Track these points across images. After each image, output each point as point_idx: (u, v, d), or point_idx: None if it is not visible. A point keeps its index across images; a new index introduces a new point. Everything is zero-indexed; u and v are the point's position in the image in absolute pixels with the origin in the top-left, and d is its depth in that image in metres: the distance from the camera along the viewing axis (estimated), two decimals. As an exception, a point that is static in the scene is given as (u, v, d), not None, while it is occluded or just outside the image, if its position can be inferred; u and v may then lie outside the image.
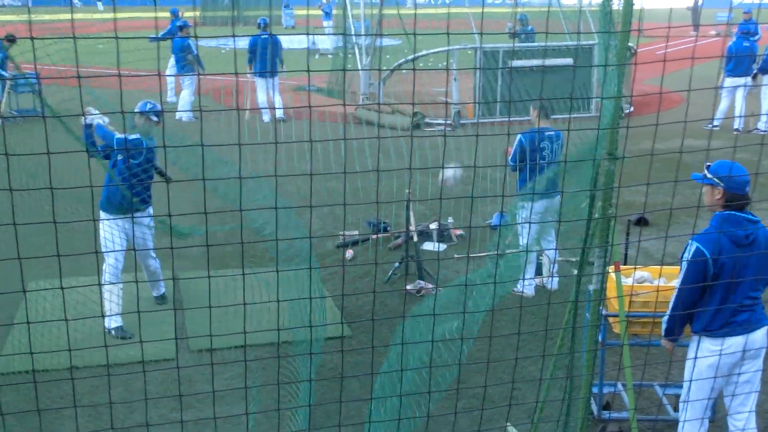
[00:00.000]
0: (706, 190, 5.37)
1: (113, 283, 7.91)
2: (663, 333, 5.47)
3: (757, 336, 5.31)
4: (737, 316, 5.23)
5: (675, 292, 5.32)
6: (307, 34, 4.09)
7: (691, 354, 5.37)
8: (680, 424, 5.56)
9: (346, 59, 21.61)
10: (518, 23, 22.16)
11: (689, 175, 5.50)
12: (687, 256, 5.20)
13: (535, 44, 20.44)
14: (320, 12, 37.30)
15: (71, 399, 6.28)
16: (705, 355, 5.25)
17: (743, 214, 5.23)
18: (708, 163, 5.38)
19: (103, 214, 8.04)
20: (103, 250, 7.93)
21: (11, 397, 6.13)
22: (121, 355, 7.34)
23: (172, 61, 20.31)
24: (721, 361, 5.23)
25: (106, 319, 7.91)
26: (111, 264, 7.98)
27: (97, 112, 7.87)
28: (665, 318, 5.41)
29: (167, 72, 20.54)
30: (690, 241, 5.24)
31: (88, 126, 7.80)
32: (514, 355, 5.39)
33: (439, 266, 9.90)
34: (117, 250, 7.95)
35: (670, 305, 5.35)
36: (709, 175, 5.29)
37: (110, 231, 7.99)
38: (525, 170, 8.87)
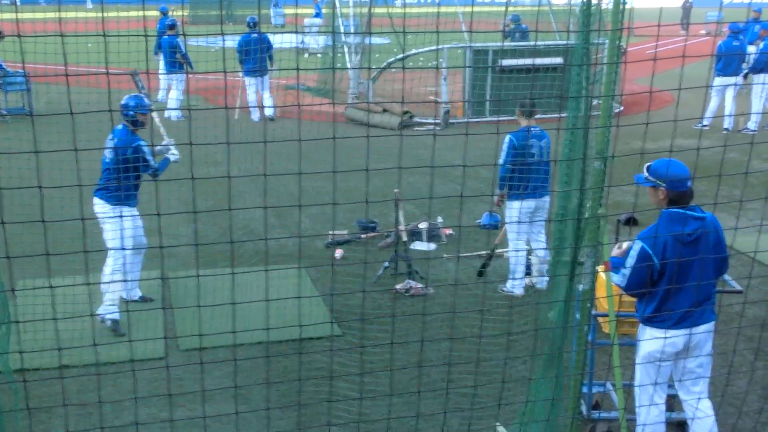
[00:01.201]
0: (649, 191, 5.42)
1: (115, 278, 7.94)
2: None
3: (699, 329, 5.36)
4: (681, 311, 5.29)
5: (622, 283, 5.39)
6: (296, 32, 4.05)
7: (639, 339, 5.48)
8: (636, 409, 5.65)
9: (335, 58, 21.59)
10: (510, 23, 22.15)
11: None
12: (633, 254, 5.26)
13: (523, 44, 20.45)
14: (310, 10, 37.23)
15: (60, 398, 6.27)
16: (649, 341, 5.35)
17: (689, 212, 5.29)
18: (647, 164, 5.41)
19: (128, 209, 8.14)
20: (117, 243, 8.02)
21: (1, 396, 6.11)
22: (110, 354, 7.33)
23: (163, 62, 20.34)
24: (663, 349, 5.29)
25: (103, 309, 7.98)
26: (124, 257, 8.13)
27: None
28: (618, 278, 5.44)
29: (160, 71, 20.50)
30: (635, 240, 5.31)
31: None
32: (504, 355, 5.40)
33: (429, 266, 9.91)
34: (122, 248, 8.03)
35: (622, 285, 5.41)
36: (650, 178, 5.33)
37: (129, 225, 8.15)
38: (515, 170, 8.85)
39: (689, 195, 5.33)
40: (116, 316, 8.03)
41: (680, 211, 5.28)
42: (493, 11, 24.93)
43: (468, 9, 22.32)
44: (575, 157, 5.09)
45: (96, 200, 8.17)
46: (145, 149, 8.05)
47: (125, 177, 8.03)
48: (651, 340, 5.33)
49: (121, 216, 7.91)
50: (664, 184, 5.24)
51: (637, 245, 5.24)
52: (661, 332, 5.30)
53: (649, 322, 5.38)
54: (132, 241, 8.17)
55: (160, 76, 20.55)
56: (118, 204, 8.07)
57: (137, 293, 8.77)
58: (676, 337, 5.30)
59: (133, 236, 8.19)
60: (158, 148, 8.59)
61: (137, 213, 8.28)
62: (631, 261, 5.28)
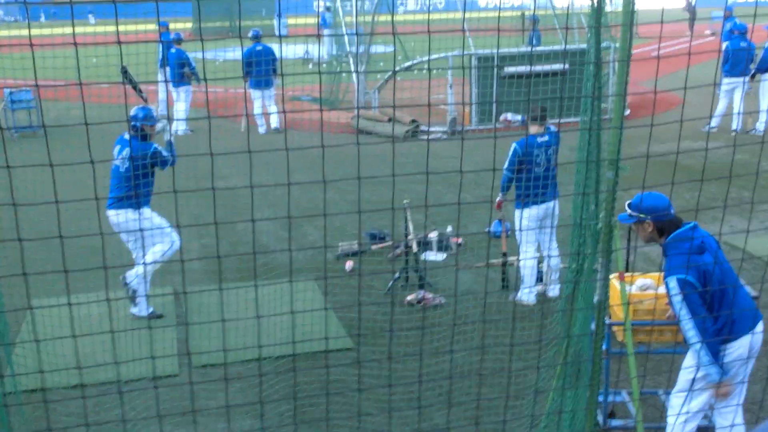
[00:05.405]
0: (636, 227, 5.45)
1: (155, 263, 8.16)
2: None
3: (757, 329, 5.47)
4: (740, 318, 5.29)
5: (689, 324, 5.19)
6: (312, 39, 4.04)
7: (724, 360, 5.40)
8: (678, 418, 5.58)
9: (341, 68, 21.59)
10: (531, 23, 21.98)
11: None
12: (675, 292, 5.14)
13: (525, 49, 20.37)
14: (314, 21, 37.20)
15: (76, 418, 6.25)
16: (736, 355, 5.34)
17: (685, 228, 5.32)
18: (628, 201, 5.44)
19: (147, 210, 8.41)
20: (154, 240, 8.26)
21: (17, 417, 6.11)
22: (124, 371, 7.30)
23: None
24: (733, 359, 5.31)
25: (142, 306, 8.37)
26: (166, 247, 8.31)
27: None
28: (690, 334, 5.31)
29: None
30: (667, 278, 5.20)
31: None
32: (514, 365, 5.39)
33: (440, 276, 9.88)
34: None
35: (692, 334, 5.21)
36: (633, 213, 5.36)
37: (158, 219, 8.43)
38: (521, 177, 8.79)
39: (676, 219, 5.38)
40: (141, 289, 8.28)
41: (681, 230, 5.32)
42: (497, 17, 24.81)
43: (471, 15, 22.29)
44: (587, 162, 5.06)
45: (114, 211, 8.31)
46: (160, 150, 8.33)
47: (145, 182, 8.30)
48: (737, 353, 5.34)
49: (140, 217, 8.18)
50: (648, 217, 5.30)
51: (672, 281, 5.13)
52: (747, 337, 5.36)
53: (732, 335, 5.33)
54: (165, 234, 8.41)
55: (159, 89, 20.56)
56: (140, 207, 8.27)
57: (147, 309, 8.77)
58: (743, 344, 5.38)
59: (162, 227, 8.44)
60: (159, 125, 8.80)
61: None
62: (678, 302, 5.14)
